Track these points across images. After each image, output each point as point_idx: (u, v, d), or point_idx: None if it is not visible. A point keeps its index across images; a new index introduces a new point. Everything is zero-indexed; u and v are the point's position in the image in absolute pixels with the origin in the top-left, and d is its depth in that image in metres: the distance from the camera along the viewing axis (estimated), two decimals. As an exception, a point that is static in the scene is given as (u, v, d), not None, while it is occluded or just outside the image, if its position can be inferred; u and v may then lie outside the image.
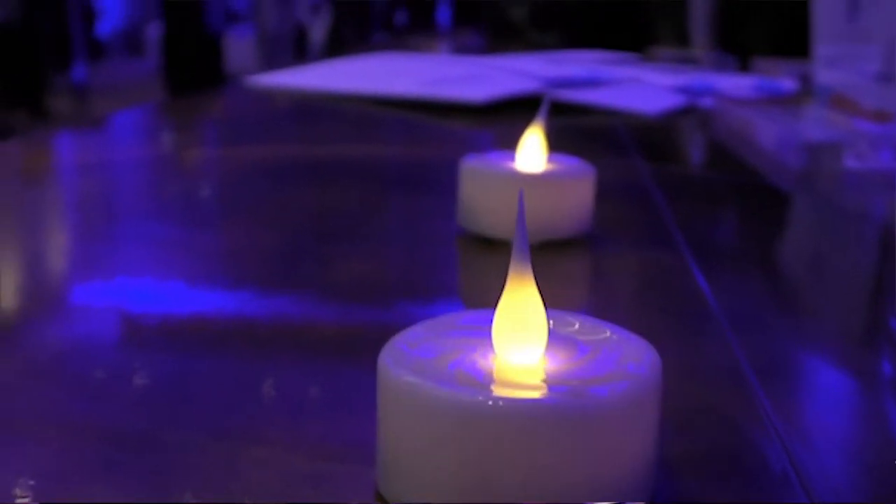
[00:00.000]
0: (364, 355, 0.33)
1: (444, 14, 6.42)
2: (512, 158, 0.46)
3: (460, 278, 0.45)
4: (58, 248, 0.49)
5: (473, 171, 0.45)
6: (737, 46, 1.36)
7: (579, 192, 0.45)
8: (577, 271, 0.44)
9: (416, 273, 0.44)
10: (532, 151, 0.46)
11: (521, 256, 0.23)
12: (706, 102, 0.93)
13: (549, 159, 0.46)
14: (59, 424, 0.27)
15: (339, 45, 6.71)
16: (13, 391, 0.30)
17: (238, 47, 6.91)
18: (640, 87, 1.01)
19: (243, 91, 1.04)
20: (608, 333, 0.24)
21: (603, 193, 0.47)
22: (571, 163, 0.47)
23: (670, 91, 0.98)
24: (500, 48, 1.74)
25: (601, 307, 0.40)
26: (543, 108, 0.45)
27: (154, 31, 6.95)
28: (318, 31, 7.34)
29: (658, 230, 0.49)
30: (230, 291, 0.40)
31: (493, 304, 0.38)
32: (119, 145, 0.77)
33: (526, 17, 1.82)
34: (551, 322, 0.24)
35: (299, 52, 7.11)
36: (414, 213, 0.54)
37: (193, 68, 5.95)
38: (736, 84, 1.04)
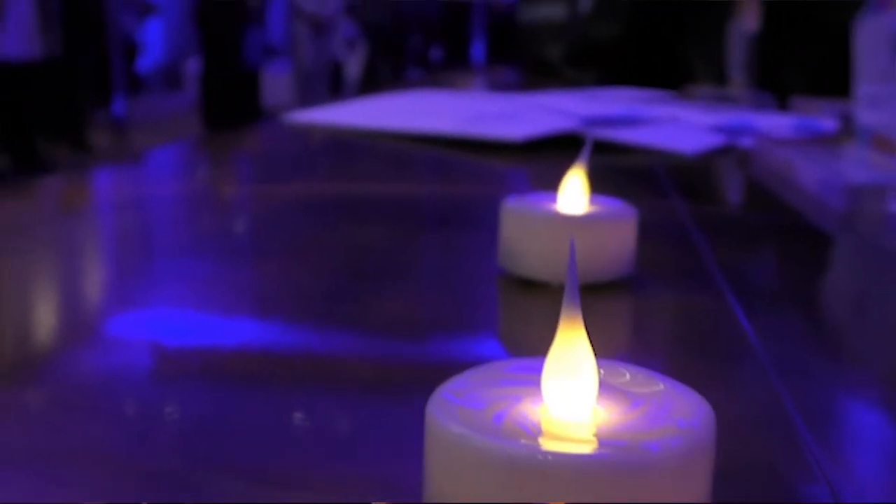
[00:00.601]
0: (403, 396, 0.33)
1: (478, 50, 6.46)
2: (553, 199, 0.46)
3: (500, 320, 0.44)
4: (94, 284, 0.49)
5: (515, 212, 0.45)
6: (775, 85, 1.36)
7: (622, 235, 0.45)
8: (620, 315, 0.44)
9: (456, 314, 0.43)
10: (574, 193, 0.45)
11: (572, 305, 0.23)
12: (745, 142, 0.92)
13: (591, 201, 0.46)
14: (97, 458, 0.27)
15: (374, 80, 6.77)
16: (47, 424, 0.29)
17: (275, 82, 6.99)
18: (678, 125, 1.01)
19: (280, 127, 1.05)
20: (660, 386, 0.23)
21: (644, 235, 0.46)
22: (614, 205, 0.46)
23: (708, 130, 0.98)
24: (536, 85, 1.75)
25: (644, 352, 0.39)
26: (586, 150, 0.45)
27: (193, 66, 7.05)
28: (354, 66, 7.42)
29: (700, 273, 0.49)
30: (265, 330, 0.40)
31: (535, 347, 0.37)
32: (157, 181, 0.77)
33: (561, 55, 1.82)
34: (602, 372, 0.23)
35: (335, 87, 7.17)
36: (452, 253, 0.53)
37: (231, 102, 6.03)
38: (775, 123, 1.03)
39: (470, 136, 0.89)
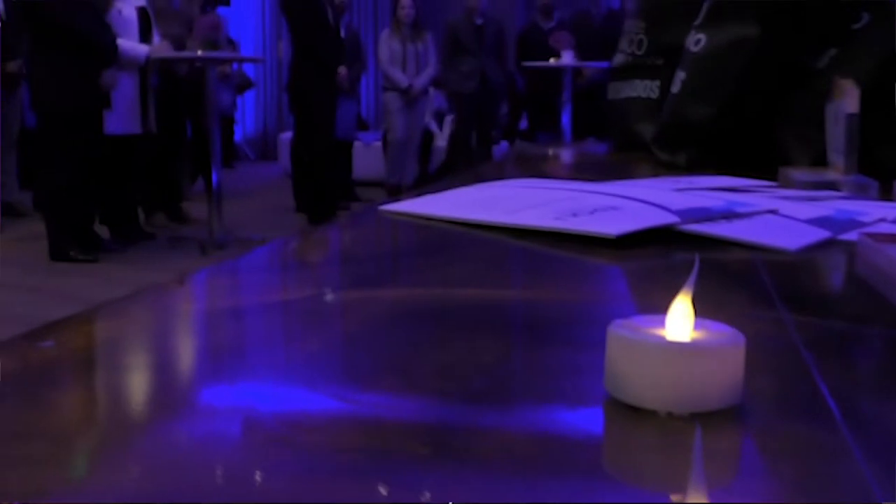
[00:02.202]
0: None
1: (566, 121, 6.49)
2: (660, 323, 0.45)
3: (606, 448, 0.43)
4: (186, 396, 0.49)
5: (620, 338, 0.44)
6: (876, 168, 1.32)
7: (730, 363, 0.44)
8: (728, 451, 0.42)
9: (560, 443, 0.42)
10: (681, 317, 0.44)
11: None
12: (850, 236, 0.89)
13: (698, 325, 0.45)
14: None
15: (463, 150, 6.83)
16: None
17: (366, 153, 7.11)
18: (778, 219, 0.98)
19: (373, 217, 1.05)
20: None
21: (751, 355, 0.45)
22: (721, 330, 0.45)
23: (810, 223, 0.95)
24: (626, 162, 1.74)
25: (756, 496, 0.37)
26: (693, 275, 0.44)
27: (286, 137, 7.23)
28: (443, 136, 7.51)
29: (812, 400, 0.47)
30: (357, 460, 0.39)
31: (644, 482, 0.36)
32: (251, 285, 0.78)
33: (652, 134, 1.80)
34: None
35: (425, 158, 7.27)
36: (554, 372, 0.52)
37: (323, 173, 6.16)
38: (880, 213, 1.00)
39: (565, 230, 0.88)
